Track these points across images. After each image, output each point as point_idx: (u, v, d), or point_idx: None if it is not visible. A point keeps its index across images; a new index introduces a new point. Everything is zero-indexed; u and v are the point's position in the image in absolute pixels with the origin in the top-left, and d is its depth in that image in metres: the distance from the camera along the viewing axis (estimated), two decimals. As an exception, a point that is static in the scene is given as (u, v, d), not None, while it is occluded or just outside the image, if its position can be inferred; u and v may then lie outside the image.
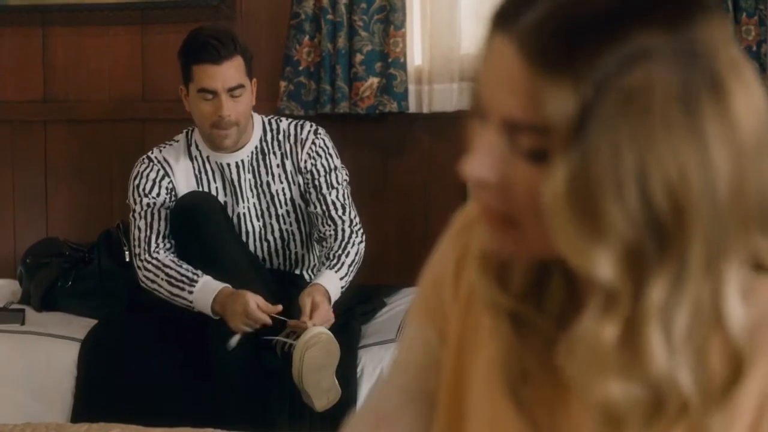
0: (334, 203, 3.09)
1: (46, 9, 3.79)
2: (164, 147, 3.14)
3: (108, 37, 3.83)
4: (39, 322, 3.25)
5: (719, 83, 0.82)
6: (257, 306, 2.81)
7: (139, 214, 3.05)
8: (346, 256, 3.01)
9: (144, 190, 3.06)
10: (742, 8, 3.45)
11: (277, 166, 3.12)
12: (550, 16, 0.82)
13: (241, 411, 2.82)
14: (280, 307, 2.85)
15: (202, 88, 2.96)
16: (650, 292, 0.82)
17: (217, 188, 3.11)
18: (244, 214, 3.12)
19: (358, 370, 2.96)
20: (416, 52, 3.71)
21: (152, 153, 3.12)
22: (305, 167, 3.11)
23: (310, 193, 3.12)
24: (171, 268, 2.94)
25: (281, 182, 3.13)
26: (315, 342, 2.76)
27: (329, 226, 3.08)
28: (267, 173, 3.12)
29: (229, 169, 3.10)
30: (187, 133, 3.16)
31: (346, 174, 3.16)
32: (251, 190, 3.12)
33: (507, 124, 0.85)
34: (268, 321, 2.83)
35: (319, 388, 2.78)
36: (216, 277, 2.91)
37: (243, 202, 3.12)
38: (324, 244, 3.10)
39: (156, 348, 3.02)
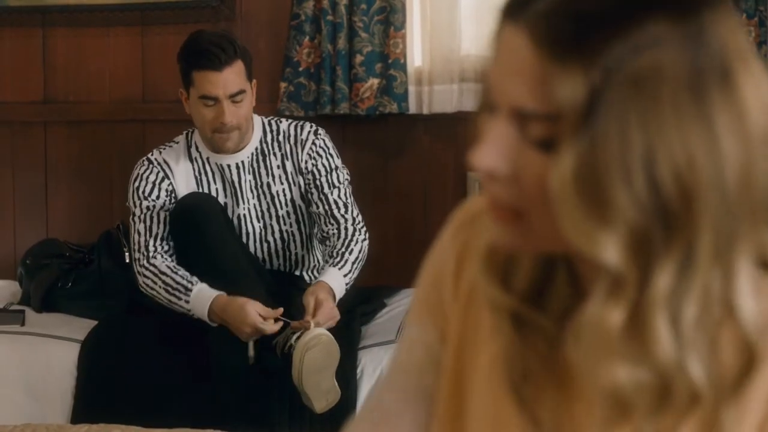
0: (336, 202, 3.09)
1: (46, 10, 3.79)
2: (164, 149, 3.14)
3: (108, 38, 3.83)
4: (39, 323, 3.25)
5: (728, 72, 0.83)
6: (258, 314, 2.82)
7: (139, 217, 3.05)
8: (350, 254, 3.01)
9: (144, 192, 3.06)
10: (743, 10, 3.46)
11: (278, 167, 3.12)
12: (560, 3, 0.83)
13: (241, 412, 2.82)
14: (281, 310, 2.85)
15: (204, 95, 2.95)
16: (657, 279, 0.82)
17: (217, 190, 3.11)
18: (244, 215, 3.12)
19: (358, 371, 2.96)
20: (416, 53, 3.71)
21: (152, 155, 3.12)
22: (306, 168, 3.11)
23: (311, 194, 3.12)
24: (167, 275, 2.94)
25: (281, 183, 3.13)
26: (315, 343, 2.76)
27: (332, 225, 3.08)
28: (267, 174, 3.12)
29: (230, 171, 3.10)
30: (187, 134, 3.15)
31: (347, 173, 3.16)
32: (251, 192, 3.12)
33: (516, 114, 0.86)
34: (275, 328, 2.83)
35: (319, 390, 2.77)
36: (216, 279, 2.90)
37: (243, 203, 3.12)
38: (327, 243, 3.10)
39: (156, 349, 3.02)
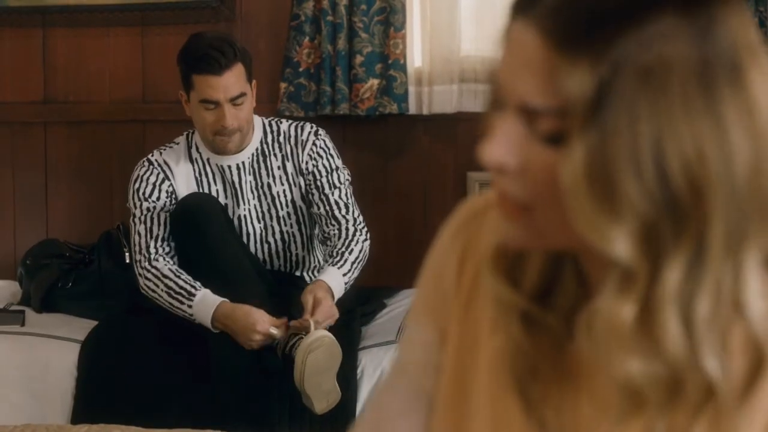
0: (337, 203, 3.09)
1: (46, 10, 3.79)
2: (164, 149, 3.14)
3: (108, 38, 3.83)
4: (39, 323, 3.25)
5: (738, 67, 0.83)
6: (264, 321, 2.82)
7: (140, 218, 3.04)
8: (350, 254, 3.01)
9: (144, 194, 3.06)
10: (742, 10, 3.46)
11: (278, 167, 3.12)
12: None
13: (241, 412, 2.82)
14: (285, 320, 2.85)
15: (204, 99, 2.95)
16: (667, 273, 0.82)
17: (217, 190, 3.11)
18: (244, 216, 3.12)
19: (358, 371, 2.96)
20: (416, 53, 3.71)
21: (152, 156, 3.12)
22: (306, 168, 3.11)
23: (312, 194, 3.12)
24: (170, 279, 2.93)
25: (282, 184, 3.13)
26: (318, 345, 2.76)
27: (333, 226, 3.08)
28: (268, 175, 3.12)
29: (230, 172, 3.10)
30: (187, 135, 3.15)
31: (348, 174, 3.16)
32: (252, 192, 3.12)
33: (525, 109, 0.86)
34: (284, 334, 2.83)
35: (320, 391, 2.77)
36: (217, 279, 2.90)
37: (244, 204, 3.11)
38: (328, 243, 3.10)
39: (156, 349, 3.02)
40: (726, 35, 0.83)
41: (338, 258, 2.99)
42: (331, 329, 2.87)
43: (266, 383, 2.87)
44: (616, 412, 0.88)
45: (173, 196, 3.07)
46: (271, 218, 3.14)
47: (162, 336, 3.04)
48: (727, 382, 0.85)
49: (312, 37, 3.65)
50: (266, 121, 3.16)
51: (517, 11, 0.87)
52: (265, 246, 3.16)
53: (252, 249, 3.13)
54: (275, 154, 3.12)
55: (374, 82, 3.63)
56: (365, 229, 3.10)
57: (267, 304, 2.88)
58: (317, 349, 2.75)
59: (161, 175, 3.08)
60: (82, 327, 3.17)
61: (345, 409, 2.85)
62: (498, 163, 0.87)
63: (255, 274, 2.99)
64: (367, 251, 3.07)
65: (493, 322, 1.00)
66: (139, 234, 3.03)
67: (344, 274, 2.96)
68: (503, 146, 0.87)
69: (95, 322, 3.18)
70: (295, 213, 3.15)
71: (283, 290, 3.02)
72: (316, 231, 3.21)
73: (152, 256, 2.98)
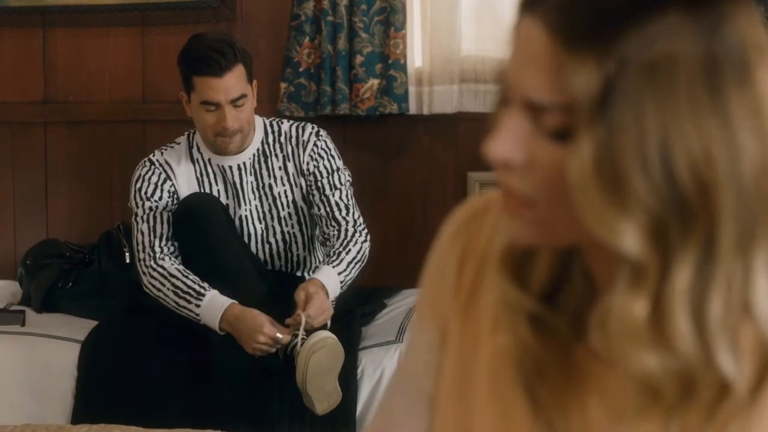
0: (337, 204, 3.09)
1: (46, 10, 3.79)
2: (165, 149, 3.13)
3: (108, 38, 3.83)
4: (39, 323, 3.25)
5: (746, 66, 0.83)
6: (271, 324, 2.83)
7: (142, 217, 3.04)
8: (347, 254, 3.00)
9: (146, 193, 3.06)
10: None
11: (279, 168, 3.12)
12: None
13: (241, 412, 2.82)
14: (290, 331, 2.84)
15: (205, 101, 2.95)
16: (677, 271, 0.82)
17: (218, 191, 3.11)
18: (246, 216, 3.12)
19: (358, 371, 2.96)
20: (416, 53, 3.71)
21: (153, 156, 3.12)
22: (308, 169, 3.11)
23: (313, 195, 3.11)
24: (177, 279, 2.93)
25: (283, 185, 3.12)
26: (321, 346, 2.76)
27: (333, 227, 3.08)
28: (269, 175, 3.12)
29: (231, 172, 3.10)
30: (188, 135, 3.15)
31: (349, 175, 3.16)
32: (253, 193, 3.12)
33: (531, 104, 0.86)
34: (289, 339, 2.83)
35: (322, 392, 2.77)
36: (219, 279, 2.90)
37: (245, 204, 3.11)
38: (327, 244, 3.10)
39: (156, 349, 3.02)
40: (734, 34, 0.82)
41: (335, 257, 2.99)
42: (331, 329, 2.87)
43: (266, 383, 2.87)
44: (631, 410, 0.88)
45: (175, 196, 3.07)
46: (272, 219, 3.14)
47: (162, 336, 3.04)
48: (740, 381, 0.85)
49: (312, 37, 3.65)
50: (267, 122, 3.16)
51: (525, 8, 0.87)
52: (266, 246, 3.16)
53: (253, 249, 3.13)
54: (276, 155, 3.12)
55: (374, 82, 3.63)
56: (365, 230, 3.10)
57: (268, 305, 2.88)
58: (320, 350, 2.75)
59: (163, 175, 3.08)
60: (82, 327, 3.17)
61: (345, 409, 2.85)
62: (504, 159, 0.87)
63: (256, 274, 2.99)
64: (367, 252, 3.07)
65: (494, 321, 1.00)
66: (142, 233, 3.02)
67: (340, 273, 2.96)
68: (509, 142, 0.87)
69: (95, 322, 3.18)
70: (296, 213, 3.15)
71: (284, 291, 3.01)
72: (317, 232, 3.21)
73: (157, 255, 2.98)
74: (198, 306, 2.87)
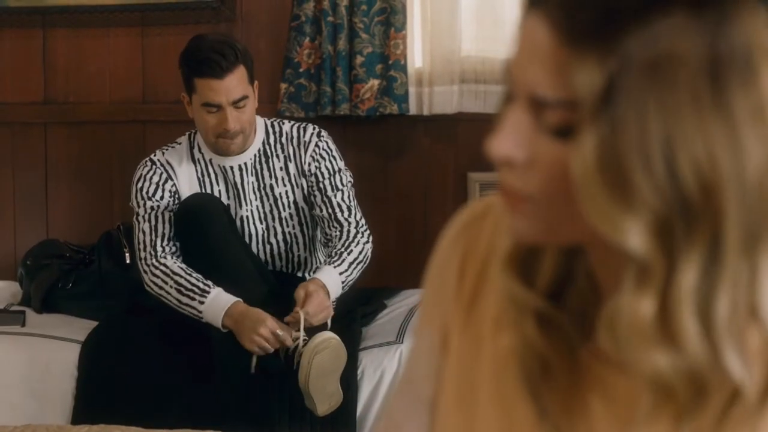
0: (339, 205, 3.09)
1: (46, 11, 3.79)
2: (167, 149, 3.13)
3: (108, 38, 3.83)
4: (39, 323, 3.25)
5: (750, 66, 0.82)
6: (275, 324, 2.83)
7: (143, 217, 3.04)
8: (348, 254, 3.01)
9: (147, 193, 3.06)
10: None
11: (281, 168, 3.12)
12: None
13: (241, 412, 2.82)
14: (291, 331, 2.84)
15: (206, 102, 2.95)
16: (683, 271, 0.82)
17: (220, 191, 3.11)
18: (247, 217, 3.12)
19: (359, 372, 2.96)
20: (416, 54, 3.71)
21: (155, 156, 3.12)
22: (309, 170, 3.11)
23: (314, 196, 3.11)
24: (181, 276, 2.92)
25: (284, 185, 3.12)
26: (325, 347, 2.76)
27: (335, 228, 3.08)
28: (270, 176, 3.12)
29: (232, 172, 3.10)
30: (189, 135, 3.15)
31: (350, 176, 3.16)
32: (254, 193, 3.12)
33: (534, 101, 0.86)
34: (288, 341, 2.83)
35: (324, 393, 2.77)
36: (220, 280, 2.90)
37: (246, 205, 3.11)
38: (329, 245, 3.10)
39: (156, 350, 3.02)
40: (739, 34, 0.82)
41: (336, 258, 2.99)
42: (331, 330, 2.87)
43: (266, 383, 2.87)
44: (642, 412, 0.87)
45: (176, 196, 3.07)
46: (273, 219, 3.14)
47: (162, 336, 3.04)
48: (749, 386, 0.85)
49: (312, 37, 3.66)
50: (268, 122, 3.16)
51: (530, 4, 0.87)
52: (267, 247, 3.16)
53: (254, 250, 3.13)
54: (277, 155, 3.12)
55: (375, 83, 3.63)
56: (367, 231, 3.10)
57: (269, 305, 2.88)
58: (324, 351, 2.75)
59: (164, 175, 3.08)
60: (82, 327, 3.18)
61: (345, 409, 2.85)
62: (506, 157, 0.87)
63: (257, 274, 2.99)
64: (369, 253, 3.07)
65: (496, 324, 1.00)
66: (144, 232, 3.02)
67: (341, 273, 2.96)
68: (511, 139, 0.87)
69: (95, 323, 3.19)
70: (298, 214, 3.15)
71: (285, 291, 3.01)
72: (318, 232, 3.21)
73: (159, 254, 2.98)
74: (201, 303, 2.87)
